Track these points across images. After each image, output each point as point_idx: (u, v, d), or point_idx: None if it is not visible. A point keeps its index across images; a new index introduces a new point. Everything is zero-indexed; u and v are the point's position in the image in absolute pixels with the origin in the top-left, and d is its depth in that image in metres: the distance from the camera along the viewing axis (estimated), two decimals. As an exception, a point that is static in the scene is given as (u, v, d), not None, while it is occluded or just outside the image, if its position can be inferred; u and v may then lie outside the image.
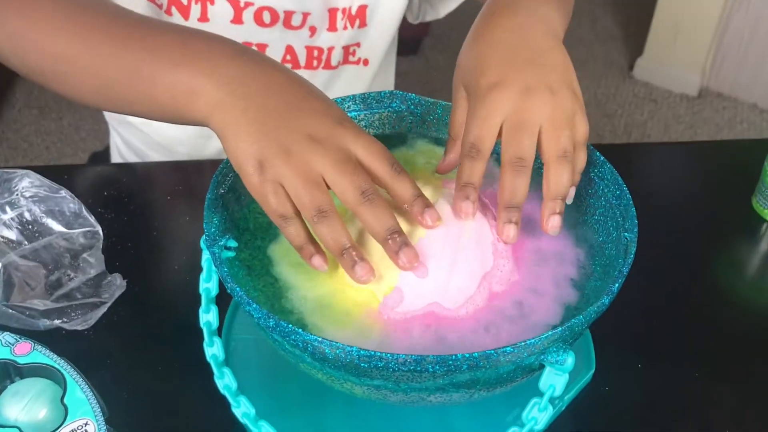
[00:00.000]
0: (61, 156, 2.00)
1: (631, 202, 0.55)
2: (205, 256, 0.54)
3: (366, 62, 0.88)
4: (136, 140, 0.93)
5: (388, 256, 0.49)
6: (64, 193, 0.70)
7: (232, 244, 0.54)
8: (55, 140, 2.05)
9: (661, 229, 0.77)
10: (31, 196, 0.70)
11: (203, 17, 0.78)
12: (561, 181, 0.52)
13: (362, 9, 0.82)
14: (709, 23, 2.22)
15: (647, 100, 2.31)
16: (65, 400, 0.54)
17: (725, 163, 0.88)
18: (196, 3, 0.77)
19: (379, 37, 0.87)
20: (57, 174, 0.73)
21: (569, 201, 0.54)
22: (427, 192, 0.53)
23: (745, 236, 0.79)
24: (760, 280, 0.77)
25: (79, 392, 0.54)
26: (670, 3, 2.26)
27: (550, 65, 0.54)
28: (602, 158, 0.58)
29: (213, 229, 0.53)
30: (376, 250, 0.51)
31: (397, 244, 0.48)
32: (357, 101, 0.64)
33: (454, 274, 0.51)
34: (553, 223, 0.52)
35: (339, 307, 0.51)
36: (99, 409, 0.54)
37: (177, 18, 0.78)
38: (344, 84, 0.88)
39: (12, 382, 0.56)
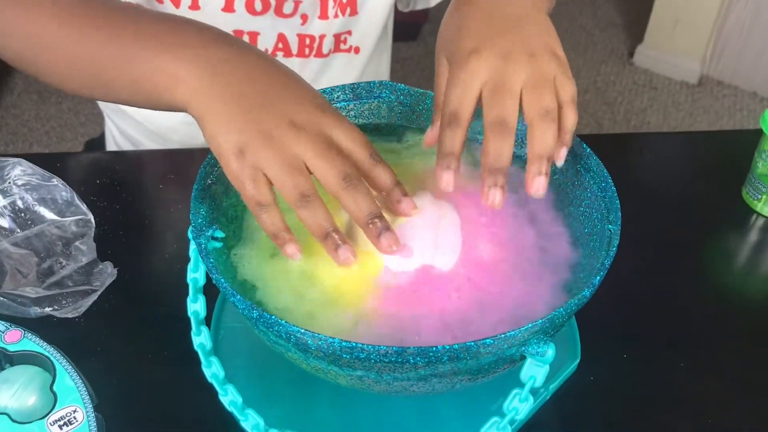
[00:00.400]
0: (60, 140, 2.01)
1: (615, 194, 0.55)
2: (193, 246, 0.54)
3: (357, 50, 0.88)
4: (130, 128, 0.93)
5: (370, 241, 0.49)
6: (56, 181, 0.70)
7: (219, 234, 0.55)
8: (55, 125, 2.05)
9: (651, 220, 0.78)
10: (23, 185, 0.70)
11: (194, 5, 0.78)
12: (545, 139, 0.51)
13: None
14: (710, 11, 2.21)
15: (647, 88, 2.30)
16: (54, 388, 0.54)
17: (715, 154, 0.88)
18: None
19: (370, 24, 0.87)
20: (50, 162, 0.74)
21: (560, 163, 0.53)
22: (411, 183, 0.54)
23: (734, 227, 0.79)
24: (749, 270, 0.77)
25: (68, 380, 0.55)
26: (671, -10, 2.25)
27: (529, 30, 0.54)
28: (588, 150, 0.59)
29: (200, 220, 0.53)
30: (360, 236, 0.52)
31: (378, 228, 0.49)
32: (347, 91, 0.64)
33: (436, 253, 0.53)
34: (538, 184, 0.50)
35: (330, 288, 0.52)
36: (88, 397, 0.54)
37: (168, 6, 0.78)
38: (336, 72, 0.88)
39: (2, 369, 0.57)
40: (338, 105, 0.64)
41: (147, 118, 0.90)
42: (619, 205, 0.54)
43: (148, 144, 0.93)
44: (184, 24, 0.54)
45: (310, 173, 0.49)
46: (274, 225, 0.49)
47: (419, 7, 0.92)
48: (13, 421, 0.52)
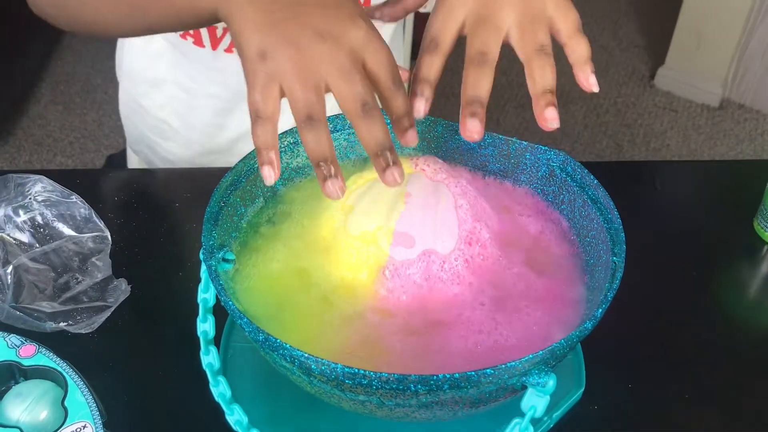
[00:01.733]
0: (83, 151, 2.04)
1: (621, 227, 0.56)
2: (204, 267, 0.55)
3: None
4: (151, 155, 0.96)
5: (376, 172, 0.47)
6: (75, 198, 0.72)
7: (230, 256, 0.56)
8: (79, 136, 2.08)
9: (661, 249, 0.78)
10: (43, 201, 0.72)
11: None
12: (545, 74, 0.50)
13: None
14: (733, 34, 2.20)
15: (668, 110, 2.30)
16: (66, 403, 0.56)
17: (727, 184, 0.88)
18: None
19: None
20: (69, 179, 0.75)
21: (596, 89, 0.51)
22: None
23: (745, 258, 0.79)
24: (760, 302, 0.77)
25: (80, 395, 0.56)
26: (693, 12, 2.24)
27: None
28: (596, 181, 0.59)
29: (211, 242, 0.54)
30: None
31: (387, 160, 0.47)
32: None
33: (437, 239, 0.55)
34: (550, 114, 0.49)
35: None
36: (98, 413, 0.56)
37: None
38: None
39: (16, 383, 0.58)
40: (351, 131, 0.65)
41: (168, 150, 0.92)
42: (624, 238, 0.55)
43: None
44: None
45: (328, 91, 0.48)
46: (263, 140, 0.46)
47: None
48: (25, 434, 0.54)
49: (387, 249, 0.55)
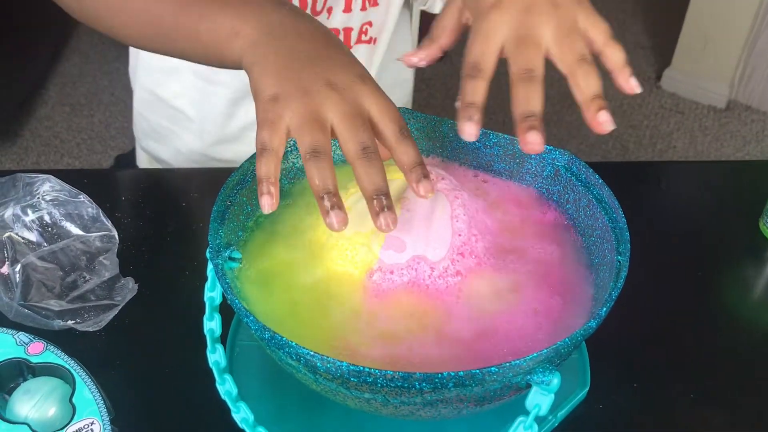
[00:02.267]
0: (91, 152, 2.05)
1: (626, 226, 0.56)
2: (211, 266, 0.56)
3: (375, 41, 0.90)
4: (162, 152, 0.97)
5: (370, 215, 0.49)
6: (82, 197, 0.72)
7: (237, 255, 0.56)
8: (86, 137, 2.09)
9: (666, 249, 0.78)
10: (51, 200, 0.72)
11: None
12: (590, 81, 0.51)
13: None
14: (739, 35, 2.20)
15: (674, 112, 2.29)
16: (73, 400, 0.56)
17: (733, 184, 0.88)
18: None
19: (387, 15, 0.89)
20: (77, 178, 0.76)
21: (638, 89, 0.52)
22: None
23: (750, 258, 0.79)
24: (765, 302, 0.77)
25: (87, 392, 0.57)
26: (699, 14, 2.24)
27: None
28: (600, 181, 0.59)
29: (218, 241, 0.55)
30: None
31: (382, 204, 0.48)
32: (365, 117, 0.66)
33: (428, 246, 0.56)
34: (603, 117, 0.50)
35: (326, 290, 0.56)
36: (105, 410, 0.56)
37: None
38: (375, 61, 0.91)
39: (24, 380, 0.59)
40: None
41: (181, 140, 0.93)
42: (628, 237, 0.55)
43: (177, 165, 0.96)
44: None
45: (334, 137, 0.50)
46: (266, 171, 0.49)
47: (436, 10, 0.93)
48: (33, 431, 0.54)
49: (377, 251, 0.56)
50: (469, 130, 0.51)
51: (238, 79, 0.86)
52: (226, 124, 0.92)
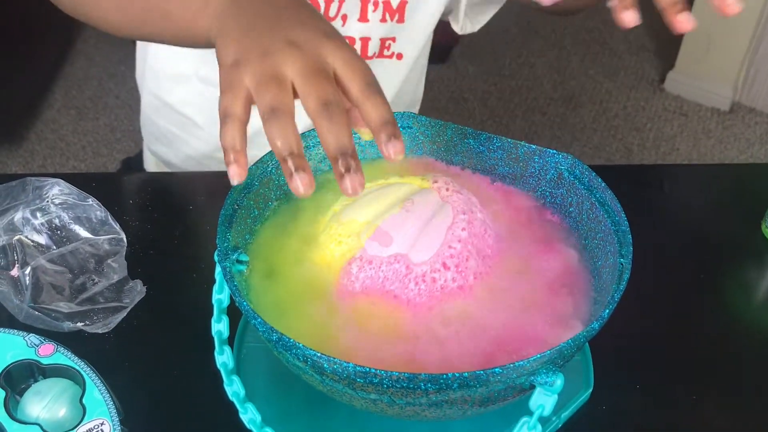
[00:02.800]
0: (96, 156, 2.06)
1: (628, 229, 0.56)
2: (218, 269, 0.57)
3: (400, 56, 0.90)
4: (171, 154, 0.98)
5: (335, 177, 0.44)
6: (91, 201, 0.73)
7: (244, 258, 0.57)
8: (91, 140, 2.11)
9: (669, 252, 0.79)
10: (60, 203, 0.73)
11: None
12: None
13: (402, 4, 0.85)
14: (743, 37, 2.20)
15: (677, 114, 2.30)
16: (84, 401, 0.57)
17: (736, 187, 0.89)
18: None
19: (415, 34, 0.89)
20: (86, 182, 0.77)
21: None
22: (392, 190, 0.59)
23: (753, 261, 0.80)
24: (767, 306, 0.77)
25: (97, 393, 0.58)
26: (703, 16, 2.21)
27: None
28: (603, 184, 0.60)
29: (226, 244, 0.55)
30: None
31: (347, 164, 0.44)
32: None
33: (413, 248, 0.56)
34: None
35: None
36: (115, 410, 0.57)
37: None
38: (379, 77, 0.91)
39: (35, 381, 0.60)
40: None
41: (190, 145, 0.94)
42: (631, 240, 0.56)
43: (184, 168, 0.97)
44: None
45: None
46: (230, 139, 0.46)
47: (467, 31, 0.94)
48: (45, 431, 0.55)
49: (364, 241, 0.57)
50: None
51: None
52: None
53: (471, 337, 0.54)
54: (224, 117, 0.46)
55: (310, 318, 0.56)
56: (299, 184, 0.44)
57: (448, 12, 0.93)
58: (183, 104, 0.92)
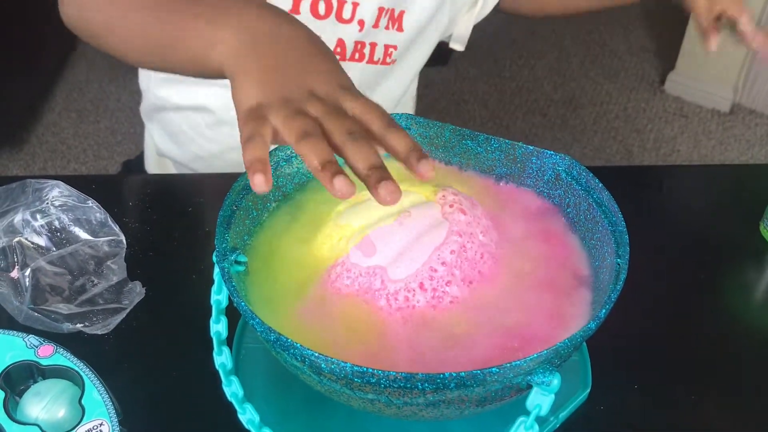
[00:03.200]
0: (97, 158, 2.07)
1: (625, 229, 0.57)
2: (217, 270, 0.57)
3: (394, 62, 0.93)
4: (176, 149, 0.98)
5: (369, 190, 0.45)
6: (91, 203, 0.74)
7: (243, 259, 0.57)
8: (92, 143, 2.11)
9: (668, 252, 0.79)
10: (60, 205, 0.74)
11: None
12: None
13: (401, 14, 0.88)
14: (743, 39, 2.20)
15: (678, 116, 2.30)
16: (83, 401, 0.57)
17: (734, 188, 0.89)
18: None
19: (414, 47, 0.92)
20: (85, 184, 0.77)
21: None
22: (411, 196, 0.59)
23: (752, 261, 0.80)
24: (766, 305, 0.78)
25: (96, 394, 0.58)
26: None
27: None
28: (600, 185, 0.60)
29: (224, 245, 0.56)
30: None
31: (379, 176, 0.45)
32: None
33: (395, 262, 0.56)
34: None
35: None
36: (114, 411, 0.57)
37: None
38: (393, 81, 0.94)
39: (35, 382, 0.60)
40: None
41: (200, 146, 0.95)
42: (627, 240, 0.56)
43: (193, 167, 0.98)
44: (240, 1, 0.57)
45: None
46: (258, 152, 0.46)
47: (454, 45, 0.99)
48: (43, 432, 0.55)
49: (349, 247, 0.58)
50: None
51: None
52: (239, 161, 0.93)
53: (443, 346, 0.54)
54: (249, 138, 0.47)
55: (301, 318, 0.56)
56: (340, 186, 0.45)
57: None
58: (194, 107, 0.93)
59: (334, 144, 0.47)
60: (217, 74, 0.55)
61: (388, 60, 0.91)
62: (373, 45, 0.89)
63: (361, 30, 0.86)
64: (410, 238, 0.57)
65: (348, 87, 0.51)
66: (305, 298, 0.57)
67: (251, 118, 0.48)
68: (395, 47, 0.90)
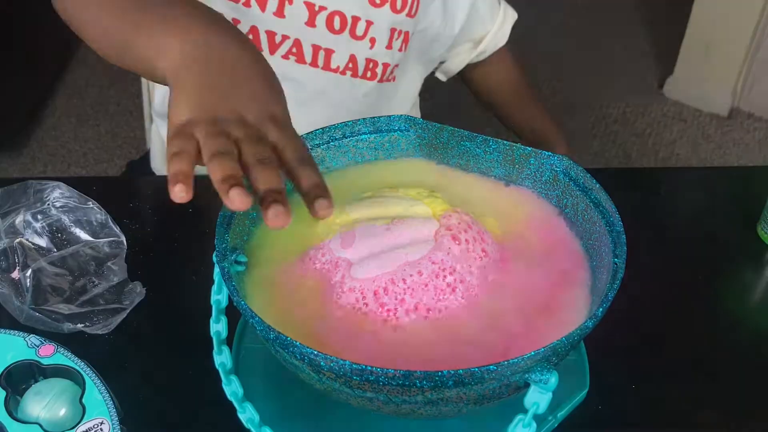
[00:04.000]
0: (97, 162, 2.07)
1: (622, 229, 0.57)
2: (217, 269, 0.57)
3: (394, 79, 0.95)
4: None
5: (262, 210, 0.46)
6: (92, 204, 0.74)
7: (243, 259, 0.58)
8: (92, 147, 2.11)
9: (665, 254, 0.79)
10: (61, 207, 0.74)
11: (279, 13, 0.83)
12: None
13: (407, 35, 0.90)
14: (741, 43, 2.21)
15: (677, 120, 2.30)
16: (83, 400, 0.57)
17: (731, 190, 0.90)
18: None
19: (411, 66, 0.95)
20: (86, 185, 0.77)
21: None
22: (394, 204, 0.59)
23: (749, 263, 0.81)
24: (763, 306, 0.78)
25: (97, 393, 0.58)
26: (701, 21, 2.25)
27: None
28: (598, 185, 0.60)
29: (224, 245, 0.56)
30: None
31: (272, 198, 0.46)
32: (368, 124, 0.67)
33: (363, 260, 0.56)
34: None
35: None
36: (114, 410, 0.57)
37: (255, 9, 0.83)
38: (394, 98, 0.96)
39: (36, 381, 0.60)
40: (359, 137, 0.67)
41: None
42: (625, 240, 0.56)
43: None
44: (194, 12, 0.58)
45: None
46: (183, 166, 0.47)
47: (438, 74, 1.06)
48: (45, 431, 0.56)
49: (334, 234, 0.59)
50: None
51: None
52: None
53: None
54: (175, 154, 0.48)
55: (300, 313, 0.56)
56: (234, 197, 0.46)
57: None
58: None
59: (244, 166, 0.48)
60: (162, 82, 0.56)
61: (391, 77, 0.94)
62: (385, 66, 0.90)
63: (372, 47, 0.87)
64: (388, 245, 0.57)
65: (278, 117, 0.52)
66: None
67: (179, 135, 0.49)
68: (397, 65, 0.93)
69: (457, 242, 0.57)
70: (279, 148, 0.50)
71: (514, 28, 1.04)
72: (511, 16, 1.03)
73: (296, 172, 0.50)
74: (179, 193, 0.47)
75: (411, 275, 0.56)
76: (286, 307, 0.57)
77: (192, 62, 0.53)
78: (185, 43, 0.54)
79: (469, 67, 1.05)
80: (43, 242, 0.73)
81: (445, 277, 0.56)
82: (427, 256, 0.56)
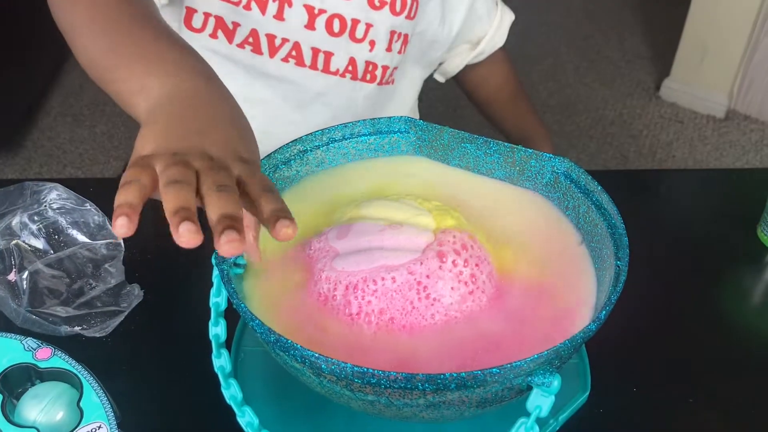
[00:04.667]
0: (93, 163, 2.06)
1: (624, 231, 0.57)
2: (216, 272, 0.57)
3: (393, 81, 0.95)
4: None
5: (214, 237, 0.44)
6: (89, 205, 0.73)
7: (242, 261, 0.57)
8: (88, 148, 2.11)
9: (666, 256, 0.79)
10: (58, 208, 0.73)
11: (279, 16, 0.83)
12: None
13: (406, 37, 0.90)
14: (738, 45, 2.22)
15: (673, 121, 2.31)
16: (81, 404, 0.57)
17: (731, 192, 0.89)
18: (273, 1, 0.82)
19: (409, 69, 0.95)
20: (83, 187, 0.77)
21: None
22: (403, 210, 0.60)
23: (749, 265, 0.80)
24: (763, 308, 0.78)
25: (95, 396, 0.57)
26: (698, 23, 2.26)
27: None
28: (600, 187, 0.60)
29: (223, 247, 0.55)
30: None
31: (225, 224, 0.43)
32: (368, 125, 0.67)
33: (351, 255, 0.57)
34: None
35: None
36: (112, 414, 0.57)
37: (255, 12, 0.83)
38: (394, 101, 0.97)
39: (33, 385, 0.60)
40: (359, 139, 0.67)
41: None
42: (627, 242, 0.56)
43: None
44: (174, 51, 0.58)
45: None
46: (130, 197, 0.45)
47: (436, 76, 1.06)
48: (41, 434, 0.55)
49: (333, 224, 0.60)
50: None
51: (277, 95, 0.88)
52: (263, 141, 0.93)
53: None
54: (125, 183, 0.46)
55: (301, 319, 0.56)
56: (183, 232, 0.43)
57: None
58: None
59: (202, 192, 0.46)
60: (136, 117, 0.55)
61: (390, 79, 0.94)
62: (384, 68, 0.90)
63: (371, 50, 0.87)
64: (374, 245, 0.57)
65: (243, 158, 0.50)
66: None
67: (136, 165, 0.47)
68: (396, 68, 0.93)
69: (442, 260, 0.56)
70: (242, 182, 0.48)
71: (510, 29, 1.03)
72: (509, 17, 1.03)
73: (259, 200, 0.47)
74: (120, 227, 0.44)
75: (384, 279, 0.55)
76: (281, 303, 0.57)
77: (165, 103, 0.53)
78: (162, 84, 0.54)
79: (467, 68, 1.05)
80: (39, 244, 0.72)
81: (418, 291, 0.55)
82: (407, 265, 0.56)
